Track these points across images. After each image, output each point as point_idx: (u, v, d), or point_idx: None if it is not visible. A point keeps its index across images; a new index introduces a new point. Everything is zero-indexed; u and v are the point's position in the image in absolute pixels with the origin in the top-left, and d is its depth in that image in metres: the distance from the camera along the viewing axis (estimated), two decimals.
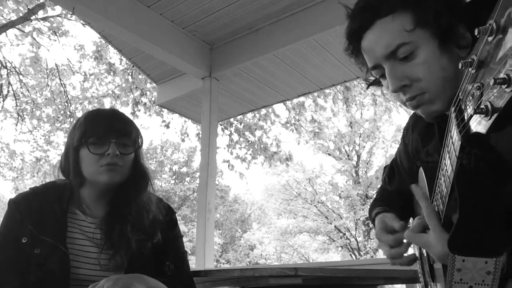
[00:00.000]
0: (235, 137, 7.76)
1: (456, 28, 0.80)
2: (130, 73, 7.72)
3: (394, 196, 1.17)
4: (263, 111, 7.40)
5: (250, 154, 7.85)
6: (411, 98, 0.85)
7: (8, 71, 8.41)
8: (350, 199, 15.95)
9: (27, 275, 1.16)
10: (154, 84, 4.28)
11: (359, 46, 0.89)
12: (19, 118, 9.02)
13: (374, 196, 1.27)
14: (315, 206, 17.02)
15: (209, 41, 3.43)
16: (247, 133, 7.77)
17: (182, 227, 15.99)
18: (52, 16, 7.86)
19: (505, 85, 0.38)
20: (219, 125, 6.24)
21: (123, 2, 2.89)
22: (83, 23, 6.13)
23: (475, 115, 0.46)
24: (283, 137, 21.71)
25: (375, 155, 17.23)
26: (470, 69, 0.48)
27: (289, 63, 3.47)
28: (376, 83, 0.96)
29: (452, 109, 0.58)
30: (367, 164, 17.11)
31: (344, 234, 16.36)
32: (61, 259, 1.18)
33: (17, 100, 8.77)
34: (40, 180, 10.03)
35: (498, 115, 0.41)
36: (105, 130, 1.23)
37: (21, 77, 8.67)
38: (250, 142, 7.82)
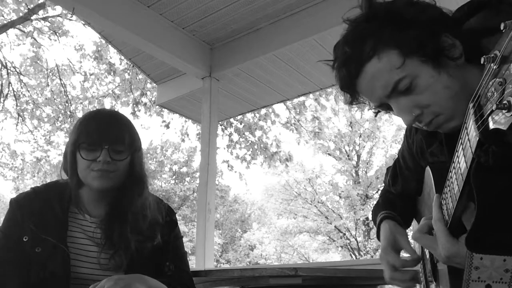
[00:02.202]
0: (235, 137, 7.77)
1: (443, 42, 0.79)
2: (130, 73, 7.72)
3: (397, 200, 1.17)
4: (263, 111, 7.39)
5: (250, 154, 7.85)
6: (428, 123, 0.84)
7: (9, 71, 8.41)
8: (350, 199, 15.95)
9: (28, 274, 1.17)
10: (154, 84, 4.28)
11: (357, 93, 0.89)
12: (20, 118, 9.03)
13: (378, 199, 1.27)
14: (315, 206, 17.02)
15: (209, 41, 3.43)
16: (247, 133, 7.77)
17: (182, 227, 16.00)
18: (53, 16, 7.87)
19: None
20: (219, 125, 6.24)
21: (123, 2, 2.89)
22: (83, 23, 6.13)
23: (495, 111, 0.46)
24: (283, 137, 21.72)
25: (375, 155, 17.24)
26: (492, 64, 0.48)
27: (289, 63, 3.48)
28: (384, 110, 0.96)
29: (471, 105, 0.57)
30: (367, 164, 17.10)
31: (344, 234, 16.36)
32: (62, 258, 1.19)
33: (17, 100, 8.77)
34: (40, 180, 10.04)
35: None
36: (97, 136, 1.22)
37: (21, 77, 8.67)
38: (250, 142, 7.82)
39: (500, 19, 0.72)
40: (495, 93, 0.46)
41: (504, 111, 0.44)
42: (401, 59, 0.80)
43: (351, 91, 0.89)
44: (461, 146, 0.64)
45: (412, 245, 1.05)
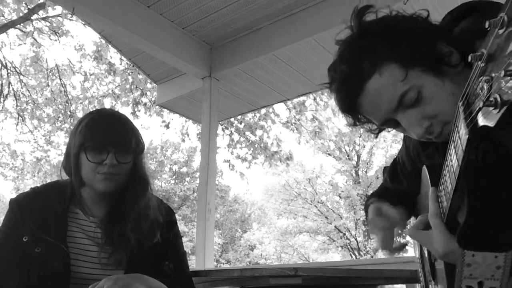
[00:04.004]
0: (236, 137, 7.77)
1: (440, 51, 0.79)
2: (130, 73, 7.73)
3: (393, 192, 1.17)
4: (263, 110, 7.40)
5: (251, 154, 7.85)
6: (439, 134, 0.83)
7: (9, 71, 8.41)
8: (350, 199, 15.96)
9: (28, 274, 1.17)
10: (154, 84, 4.28)
11: (360, 113, 0.87)
12: (20, 118, 9.03)
13: (372, 192, 1.27)
14: (315, 206, 17.03)
15: (209, 41, 3.43)
16: (247, 132, 7.77)
17: (182, 227, 16.00)
18: (53, 16, 7.87)
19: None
20: (219, 125, 6.25)
21: (123, 2, 2.89)
22: (83, 23, 6.13)
23: (483, 108, 0.46)
24: (284, 136, 21.72)
25: (375, 155, 17.25)
26: (479, 62, 0.48)
27: (289, 63, 3.48)
28: (383, 129, 0.95)
29: (460, 103, 0.58)
30: (367, 164, 17.11)
31: (344, 234, 16.37)
32: (62, 257, 1.19)
33: (17, 100, 8.78)
34: (40, 180, 10.05)
35: (508, 108, 0.41)
36: (104, 139, 1.22)
37: (21, 77, 8.67)
38: (250, 141, 7.82)
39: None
40: (483, 90, 0.46)
41: (491, 108, 0.44)
42: (403, 71, 0.78)
43: (354, 111, 0.87)
44: (452, 144, 0.65)
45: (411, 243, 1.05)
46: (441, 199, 0.76)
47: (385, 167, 1.27)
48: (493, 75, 0.43)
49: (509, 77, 0.40)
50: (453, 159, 0.64)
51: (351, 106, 0.86)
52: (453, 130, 0.64)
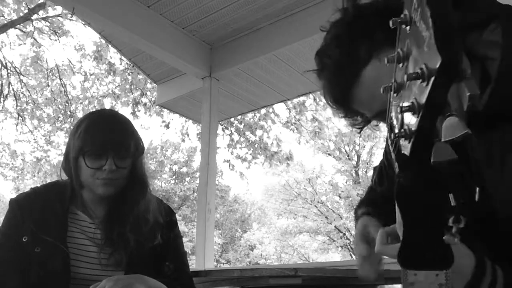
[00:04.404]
0: (236, 137, 7.77)
1: None
2: (130, 73, 7.73)
3: (380, 199, 1.17)
4: (263, 111, 7.40)
5: (251, 154, 7.85)
6: None
7: (9, 71, 8.41)
8: (350, 199, 15.96)
9: (28, 274, 1.17)
10: (154, 84, 4.28)
11: (350, 103, 0.80)
12: (20, 118, 9.03)
13: (362, 197, 1.26)
14: (315, 206, 17.03)
15: (209, 41, 3.43)
16: (247, 132, 7.77)
17: (182, 227, 16.00)
18: (53, 16, 7.87)
19: (412, 112, 0.39)
20: (219, 125, 6.25)
21: (123, 2, 2.89)
22: (83, 23, 6.13)
23: (399, 139, 0.47)
24: (284, 136, 21.71)
25: (375, 155, 17.24)
26: (391, 93, 0.49)
27: (289, 63, 3.48)
28: (366, 125, 0.90)
29: (388, 128, 0.59)
30: (367, 164, 17.11)
31: (344, 234, 16.37)
32: (62, 258, 1.19)
33: (17, 100, 8.78)
34: (40, 180, 10.04)
35: (414, 139, 0.42)
36: (103, 145, 1.21)
37: (21, 77, 8.67)
38: (250, 141, 7.82)
39: (476, 15, 0.71)
40: (397, 121, 0.47)
41: (403, 139, 0.44)
42: None
43: (345, 101, 0.81)
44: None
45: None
46: None
47: (374, 167, 1.27)
48: (402, 106, 0.44)
49: (407, 112, 0.41)
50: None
51: (343, 95, 0.80)
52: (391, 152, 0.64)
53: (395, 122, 0.49)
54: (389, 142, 0.54)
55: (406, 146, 0.45)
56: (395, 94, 0.48)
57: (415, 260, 0.58)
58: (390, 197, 1.11)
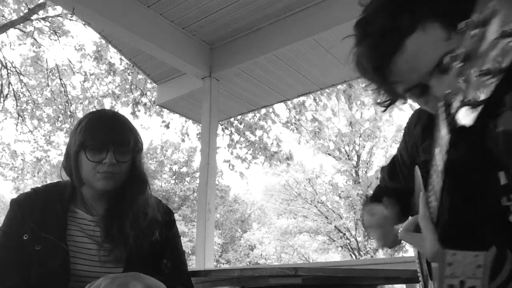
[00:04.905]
0: (236, 137, 7.77)
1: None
2: (130, 73, 7.73)
3: (384, 191, 1.17)
4: (263, 111, 7.40)
5: (251, 154, 7.85)
6: None
7: (9, 71, 8.41)
8: (350, 199, 15.96)
9: (29, 273, 1.18)
10: (154, 84, 4.28)
11: (387, 75, 0.80)
12: (20, 118, 9.03)
13: (369, 196, 1.27)
14: (315, 206, 17.03)
15: (209, 41, 3.43)
16: (247, 132, 7.77)
17: (182, 227, 16.00)
18: (53, 16, 7.88)
19: (488, 77, 0.39)
20: (219, 125, 6.24)
21: (123, 2, 2.89)
22: (83, 23, 6.13)
23: (462, 108, 0.47)
24: (284, 136, 21.72)
25: (375, 155, 17.25)
26: (455, 63, 0.49)
27: (289, 63, 3.48)
28: (393, 103, 0.91)
29: (440, 104, 0.58)
30: (367, 164, 17.12)
31: (344, 234, 16.37)
32: (62, 256, 1.20)
33: (17, 100, 8.78)
34: (40, 180, 10.05)
35: (484, 107, 0.42)
36: (103, 139, 1.24)
37: (21, 77, 8.67)
38: (250, 142, 7.82)
39: None
40: (461, 90, 0.47)
41: (468, 107, 0.44)
42: (446, 32, 0.73)
43: (383, 72, 0.80)
44: (438, 144, 0.64)
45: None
46: (430, 199, 0.76)
47: (382, 167, 1.27)
48: (469, 75, 0.43)
49: (483, 77, 0.40)
50: (438, 159, 0.64)
51: (384, 63, 0.78)
52: (436, 130, 0.64)
53: (455, 93, 0.48)
54: (443, 117, 0.53)
55: (468, 116, 0.44)
56: (460, 64, 0.47)
57: (457, 239, 0.57)
58: (398, 191, 1.10)
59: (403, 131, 1.14)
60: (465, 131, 0.48)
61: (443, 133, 0.56)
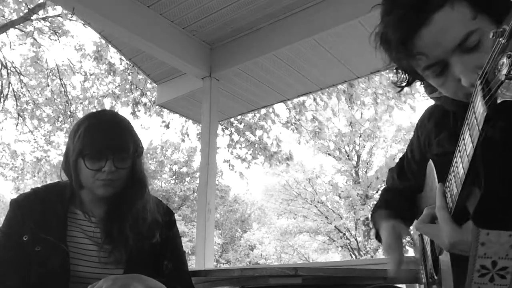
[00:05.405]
0: (236, 137, 7.77)
1: (509, 4, 0.76)
2: (130, 73, 7.73)
3: (398, 198, 1.18)
4: (263, 111, 7.39)
5: (251, 154, 7.85)
6: None
7: (9, 71, 8.41)
8: (350, 199, 15.96)
9: (28, 273, 1.18)
10: (154, 84, 4.28)
11: (412, 47, 0.81)
12: (20, 118, 9.03)
13: (377, 201, 1.27)
14: (315, 206, 17.03)
15: (209, 41, 3.43)
16: (247, 132, 7.77)
17: (182, 227, 16.00)
18: (53, 16, 7.87)
19: None
20: (219, 125, 6.24)
21: (123, 2, 2.89)
22: (83, 23, 6.13)
23: (505, 83, 0.46)
24: (284, 136, 21.73)
25: (375, 155, 17.25)
26: (500, 39, 0.48)
27: (289, 63, 3.48)
28: (410, 84, 0.92)
29: (478, 82, 0.57)
30: (367, 164, 17.11)
31: (344, 234, 16.36)
32: (62, 256, 1.20)
33: (17, 100, 8.77)
34: (40, 180, 10.04)
35: None
36: (102, 147, 1.22)
37: (21, 77, 8.67)
38: (250, 142, 7.82)
39: None
40: (504, 66, 0.47)
41: (509, 81, 0.44)
42: (473, 12, 0.76)
43: (409, 44, 0.80)
44: (467, 127, 0.64)
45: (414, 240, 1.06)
46: (450, 188, 0.76)
47: (391, 168, 1.28)
48: None
49: None
50: (467, 142, 0.63)
51: (409, 37, 0.80)
52: (469, 111, 0.63)
53: (498, 68, 0.48)
54: (479, 94, 0.52)
55: (509, 92, 0.44)
56: (504, 41, 0.47)
57: (492, 218, 0.56)
58: (410, 193, 1.11)
59: (414, 128, 1.14)
60: (504, 108, 0.48)
61: (479, 111, 0.55)
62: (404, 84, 0.92)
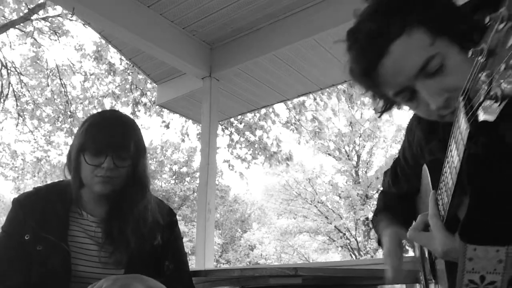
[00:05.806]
0: (236, 137, 7.77)
1: (470, 24, 0.76)
2: (130, 73, 7.72)
3: (397, 203, 1.18)
4: (263, 111, 7.39)
5: (251, 154, 7.85)
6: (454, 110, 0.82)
7: (9, 71, 8.41)
8: (350, 199, 15.95)
9: (29, 272, 1.18)
10: (154, 84, 4.28)
11: (376, 78, 0.82)
12: (20, 118, 9.03)
13: (377, 204, 1.27)
14: (315, 206, 17.02)
15: (209, 41, 3.43)
16: (247, 132, 7.77)
17: (182, 227, 16.00)
18: (53, 16, 7.87)
19: None
20: (219, 125, 6.25)
21: (123, 2, 2.89)
22: (83, 23, 6.13)
23: (484, 102, 0.47)
24: (284, 136, 21.73)
25: (375, 155, 17.24)
26: (479, 58, 0.49)
27: (289, 63, 3.48)
28: (388, 109, 0.93)
29: (460, 98, 0.58)
30: (367, 164, 17.11)
31: (344, 234, 16.36)
32: (63, 256, 1.20)
33: (17, 100, 8.77)
34: (41, 180, 10.05)
35: (508, 102, 0.42)
36: (103, 143, 1.23)
37: (21, 77, 8.67)
38: (250, 142, 7.82)
39: None
40: (484, 85, 0.47)
41: (492, 102, 0.44)
42: (431, 37, 0.76)
43: (371, 75, 0.82)
44: (453, 140, 0.65)
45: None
46: (441, 196, 0.76)
47: (385, 171, 1.27)
48: (494, 69, 0.44)
49: (510, 71, 0.41)
50: (454, 154, 0.64)
51: (370, 68, 0.81)
52: (454, 125, 0.64)
53: (478, 87, 0.48)
54: (463, 111, 0.53)
55: (491, 111, 0.44)
56: (483, 59, 0.47)
57: (478, 234, 0.57)
58: (408, 196, 1.12)
59: (405, 131, 1.14)
60: (486, 126, 0.48)
61: (463, 128, 0.56)
62: (382, 109, 0.93)
